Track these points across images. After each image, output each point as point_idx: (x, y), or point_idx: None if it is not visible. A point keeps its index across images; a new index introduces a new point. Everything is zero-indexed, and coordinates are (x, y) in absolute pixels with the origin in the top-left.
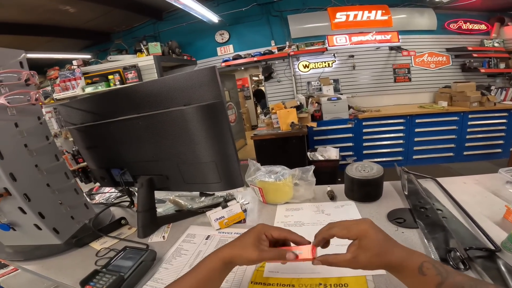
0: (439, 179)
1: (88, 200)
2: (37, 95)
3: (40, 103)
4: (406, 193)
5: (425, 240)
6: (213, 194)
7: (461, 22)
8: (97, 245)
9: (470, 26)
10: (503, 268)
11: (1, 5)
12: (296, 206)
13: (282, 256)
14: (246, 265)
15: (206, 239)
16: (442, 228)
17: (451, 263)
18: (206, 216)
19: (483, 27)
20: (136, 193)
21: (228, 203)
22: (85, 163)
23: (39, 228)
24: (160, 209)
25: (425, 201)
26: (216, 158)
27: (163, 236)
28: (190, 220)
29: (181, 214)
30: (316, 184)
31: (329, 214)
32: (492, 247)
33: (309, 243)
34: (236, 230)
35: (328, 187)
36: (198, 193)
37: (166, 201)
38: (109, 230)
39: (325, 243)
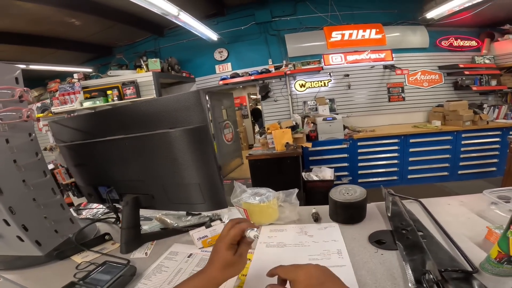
0: (423, 201)
1: (75, 215)
2: (29, 112)
3: (33, 120)
4: (389, 215)
5: (403, 262)
6: (200, 214)
7: (452, 39)
8: (78, 258)
9: (461, 43)
10: None
11: (9, 15)
12: (280, 228)
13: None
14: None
15: (188, 257)
16: (421, 250)
17: (424, 285)
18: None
19: (473, 43)
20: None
21: (212, 223)
22: (72, 180)
23: (22, 240)
24: (146, 227)
25: (407, 223)
26: (200, 180)
27: (146, 253)
28: (174, 238)
29: (166, 232)
30: (310, 204)
31: (311, 236)
32: (470, 269)
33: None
34: None
35: (314, 209)
36: (185, 212)
37: (152, 219)
38: (92, 244)
39: (281, 283)
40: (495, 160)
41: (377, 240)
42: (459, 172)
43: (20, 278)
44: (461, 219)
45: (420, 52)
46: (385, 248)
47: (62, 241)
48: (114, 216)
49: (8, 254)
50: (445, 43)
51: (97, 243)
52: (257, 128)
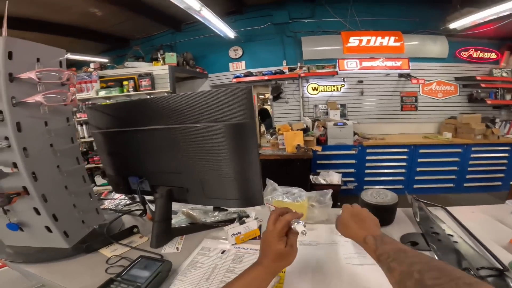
0: (448, 208)
1: None
2: (74, 96)
3: (74, 105)
4: (418, 220)
5: None
6: (227, 210)
7: (472, 50)
8: (107, 252)
9: (481, 55)
10: None
11: (33, 3)
12: (310, 227)
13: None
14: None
15: (222, 253)
16: (454, 251)
17: None
18: (218, 231)
19: (493, 55)
20: (148, 203)
21: (246, 220)
22: (87, 166)
23: (50, 231)
24: (172, 221)
25: (436, 227)
26: (241, 176)
27: (177, 248)
28: (203, 234)
29: (195, 227)
30: None
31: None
32: (501, 267)
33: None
34: (251, 246)
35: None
36: (211, 207)
37: (178, 212)
38: (119, 237)
39: None
40: (501, 175)
41: (410, 241)
42: (465, 184)
43: (46, 271)
44: (485, 226)
45: (438, 62)
46: (419, 248)
47: (87, 233)
48: (140, 208)
49: (30, 245)
50: (464, 54)
51: (124, 236)
52: (263, 128)
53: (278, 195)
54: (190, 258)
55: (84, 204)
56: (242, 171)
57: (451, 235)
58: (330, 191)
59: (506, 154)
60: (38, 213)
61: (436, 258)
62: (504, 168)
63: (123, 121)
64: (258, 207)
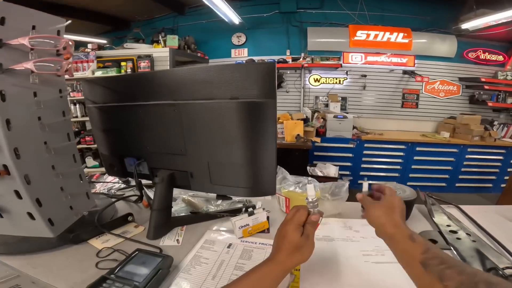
0: (461, 207)
1: None
2: (69, 65)
3: (70, 75)
4: (435, 218)
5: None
6: (231, 198)
7: (480, 51)
8: (97, 243)
9: (488, 56)
10: None
11: None
12: (322, 221)
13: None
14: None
15: (228, 247)
16: (475, 250)
17: None
18: (222, 221)
19: (500, 58)
20: (145, 188)
21: (255, 211)
22: (78, 147)
23: (33, 218)
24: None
25: (454, 225)
26: (254, 161)
27: (177, 240)
28: (204, 224)
29: (197, 217)
30: None
31: (358, 231)
32: None
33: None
34: (261, 240)
35: None
36: (214, 195)
37: (177, 199)
38: (112, 226)
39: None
40: (493, 177)
41: (429, 239)
42: (457, 184)
43: (26, 265)
44: (500, 226)
45: (444, 61)
46: (438, 247)
47: (75, 220)
48: (135, 194)
49: (10, 234)
50: (472, 55)
51: (118, 225)
52: None
53: (290, 185)
54: (193, 253)
55: (73, 187)
56: (255, 157)
57: (469, 234)
58: (348, 183)
59: (500, 157)
60: (19, 196)
61: (458, 258)
62: (496, 170)
63: (123, 95)
64: (265, 197)
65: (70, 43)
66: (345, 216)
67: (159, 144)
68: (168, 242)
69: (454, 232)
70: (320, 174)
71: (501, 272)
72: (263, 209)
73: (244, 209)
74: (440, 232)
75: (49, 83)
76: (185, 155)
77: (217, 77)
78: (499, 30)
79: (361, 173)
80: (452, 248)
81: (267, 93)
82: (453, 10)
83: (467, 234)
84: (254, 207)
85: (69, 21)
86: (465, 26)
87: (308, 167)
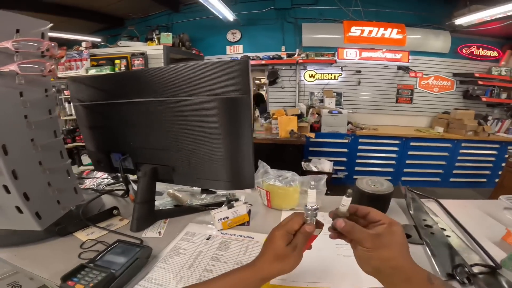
0: (441, 201)
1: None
2: (52, 66)
3: (53, 77)
4: (411, 211)
5: (431, 256)
6: (215, 192)
7: (474, 47)
8: (82, 235)
9: (482, 52)
10: (505, 285)
11: None
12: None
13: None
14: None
15: (207, 239)
16: (447, 245)
17: (457, 278)
18: (205, 215)
19: (494, 53)
20: (132, 182)
21: (235, 204)
22: (73, 145)
23: (20, 212)
24: (157, 202)
25: (430, 220)
26: (232, 155)
27: (159, 232)
28: (188, 217)
29: (180, 210)
30: None
31: None
32: (493, 265)
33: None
34: (240, 232)
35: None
36: (199, 189)
37: (163, 193)
38: (98, 219)
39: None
40: (487, 172)
41: None
42: (451, 179)
43: (14, 256)
44: (478, 221)
45: (438, 57)
46: (411, 242)
47: (63, 214)
48: (122, 188)
49: (0, 227)
50: (466, 50)
51: (103, 218)
52: (257, 113)
53: (270, 179)
54: (173, 244)
55: (60, 183)
56: (233, 150)
57: (444, 229)
58: (325, 176)
59: (494, 152)
60: (7, 191)
61: (429, 252)
62: (490, 165)
63: (107, 94)
64: (249, 191)
65: (53, 44)
66: (324, 209)
67: (142, 140)
68: (150, 234)
69: (429, 226)
70: (314, 169)
71: (467, 269)
72: (244, 203)
73: (226, 202)
74: (416, 227)
75: (35, 83)
76: (167, 150)
77: (194, 75)
78: (493, 26)
79: (356, 168)
80: (424, 243)
81: (242, 89)
82: (447, 6)
83: (442, 229)
84: (237, 200)
85: (51, 24)
86: (459, 21)
87: (302, 163)
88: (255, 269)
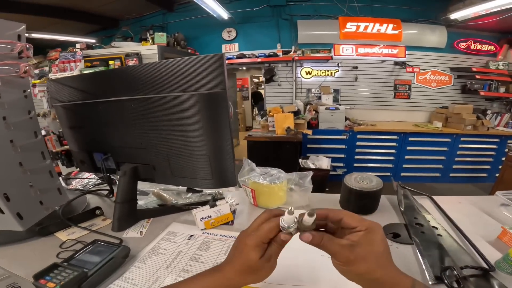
0: (434, 197)
1: (64, 184)
2: (27, 67)
3: (30, 77)
4: (402, 209)
5: (420, 257)
6: (201, 191)
7: (470, 42)
8: (63, 235)
9: (479, 47)
10: None
11: None
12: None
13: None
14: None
15: (189, 238)
16: (438, 245)
17: (446, 281)
18: (189, 214)
19: (491, 48)
20: (117, 182)
21: (217, 202)
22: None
23: (2, 212)
24: (142, 202)
25: (421, 218)
26: (210, 152)
27: (141, 232)
28: (172, 217)
29: (164, 209)
30: None
31: None
32: (487, 267)
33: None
34: (222, 232)
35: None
36: (185, 188)
37: (149, 193)
38: (80, 219)
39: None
40: (488, 167)
41: (392, 232)
42: (451, 174)
43: None
44: (472, 218)
45: (435, 52)
46: (400, 241)
47: (46, 215)
48: (108, 188)
49: None
50: (462, 45)
51: (86, 218)
52: (255, 111)
53: (256, 176)
54: (153, 244)
55: (42, 183)
56: (212, 147)
57: (436, 228)
58: (311, 173)
59: (494, 146)
60: None
61: (418, 252)
62: (490, 159)
63: (85, 93)
64: (234, 189)
65: (28, 46)
66: (311, 207)
67: (121, 139)
68: (131, 234)
69: (420, 225)
70: (312, 166)
71: (456, 272)
72: (227, 201)
73: (211, 201)
74: (406, 225)
75: (12, 84)
76: (145, 148)
77: (170, 71)
78: (489, 20)
79: (355, 164)
80: (414, 242)
81: (218, 84)
82: (442, 1)
83: (433, 227)
84: (222, 199)
85: (24, 25)
86: (454, 16)
87: (300, 160)
88: (223, 278)
